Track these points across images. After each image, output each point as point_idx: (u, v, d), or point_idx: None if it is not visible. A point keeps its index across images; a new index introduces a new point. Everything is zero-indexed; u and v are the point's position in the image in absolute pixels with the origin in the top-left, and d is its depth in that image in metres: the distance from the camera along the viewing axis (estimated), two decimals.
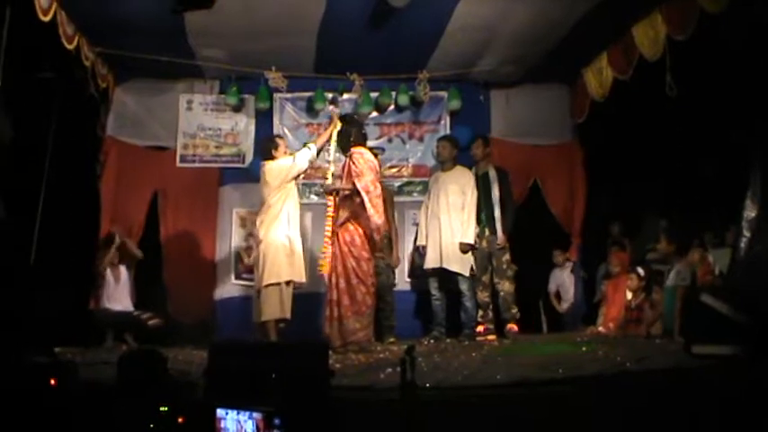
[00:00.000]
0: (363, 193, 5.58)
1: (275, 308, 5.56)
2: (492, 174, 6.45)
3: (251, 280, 6.35)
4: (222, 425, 3.05)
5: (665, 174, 6.67)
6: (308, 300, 6.39)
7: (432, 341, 6.15)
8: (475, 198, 6.36)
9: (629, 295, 6.25)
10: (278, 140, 6.04)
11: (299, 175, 5.92)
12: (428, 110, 7.45)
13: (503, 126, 7.33)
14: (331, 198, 5.83)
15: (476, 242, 6.31)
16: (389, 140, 7.46)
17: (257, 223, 5.80)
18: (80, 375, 3.69)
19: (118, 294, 6.33)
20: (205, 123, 7.34)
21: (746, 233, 4.81)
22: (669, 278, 5.76)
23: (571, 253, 7.35)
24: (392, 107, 7.38)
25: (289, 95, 7.29)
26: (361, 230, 5.64)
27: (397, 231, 6.83)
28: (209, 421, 3.06)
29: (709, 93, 5.68)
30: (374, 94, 7.24)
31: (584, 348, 5.15)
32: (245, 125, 7.39)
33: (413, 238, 7.00)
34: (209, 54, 6.64)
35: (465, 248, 6.30)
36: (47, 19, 5.03)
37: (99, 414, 3.25)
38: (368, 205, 5.57)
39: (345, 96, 7.32)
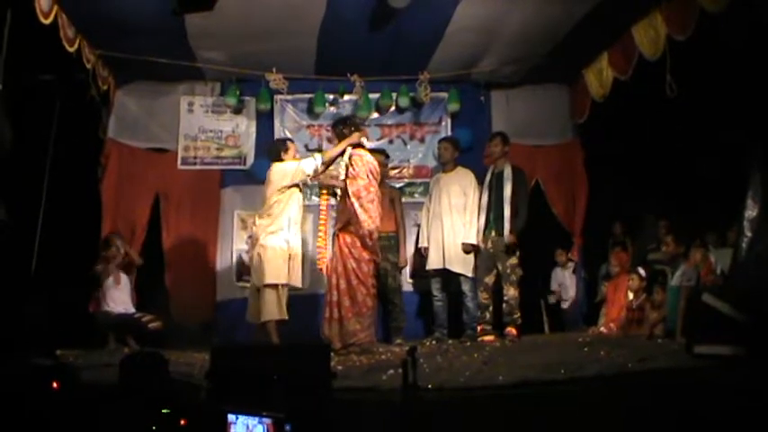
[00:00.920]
0: (354, 199, 5.57)
1: (274, 308, 5.55)
2: (507, 172, 6.24)
3: None
4: (232, 429, 3.04)
5: (666, 173, 6.67)
6: (303, 301, 6.37)
7: (434, 342, 6.15)
8: (477, 199, 6.36)
9: (631, 295, 6.22)
10: (288, 144, 6.03)
11: (302, 182, 5.88)
12: (429, 111, 7.45)
13: (503, 127, 7.28)
14: (325, 192, 5.81)
15: (479, 242, 6.30)
16: (390, 142, 7.46)
17: (256, 222, 5.80)
18: (82, 378, 3.70)
19: (119, 296, 6.33)
20: (206, 125, 7.35)
21: (747, 233, 4.78)
22: (674, 278, 5.75)
23: (573, 253, 7.36)
24: (393, 108, 7.39)
25: (289, 97, 7.29)
26: (360, 232, 5.64)
27: (405, 231, 6.80)
28: (217, 425, 3.05)
29: (709, 93, 5.68)
30: (375, 96, 7.25)
31: (585, 349, 5.14)
32: (245, 127, 7.40)
33: (414, 240, 6.99)
34: (210, 56, 6.65)
35: (468, 249, 6.31)
36: (48, 21, 5.04)
37: (101, 416, 3.25)
38: (358, 211, 5.55)
39: (346, 98, 7.32)
